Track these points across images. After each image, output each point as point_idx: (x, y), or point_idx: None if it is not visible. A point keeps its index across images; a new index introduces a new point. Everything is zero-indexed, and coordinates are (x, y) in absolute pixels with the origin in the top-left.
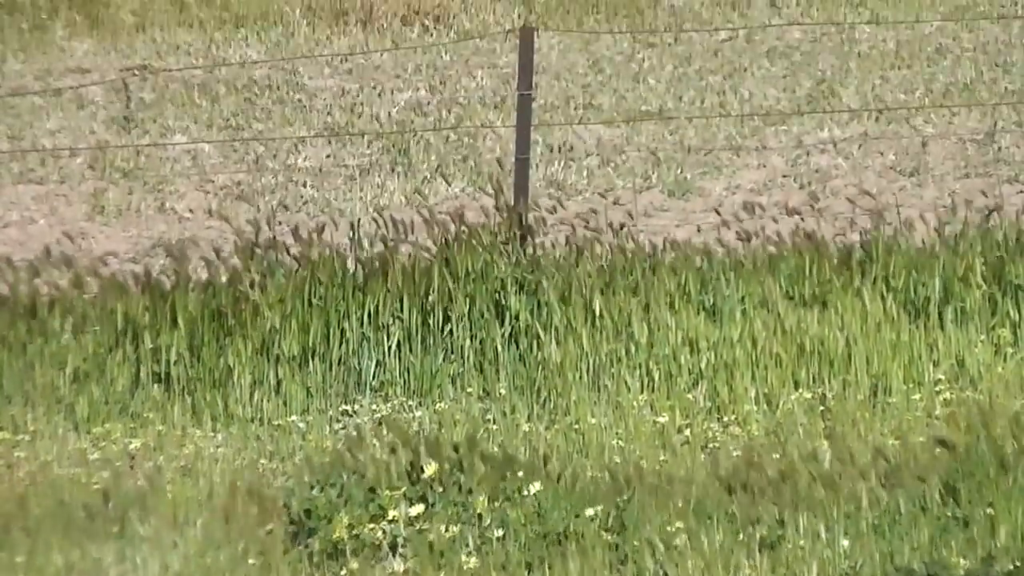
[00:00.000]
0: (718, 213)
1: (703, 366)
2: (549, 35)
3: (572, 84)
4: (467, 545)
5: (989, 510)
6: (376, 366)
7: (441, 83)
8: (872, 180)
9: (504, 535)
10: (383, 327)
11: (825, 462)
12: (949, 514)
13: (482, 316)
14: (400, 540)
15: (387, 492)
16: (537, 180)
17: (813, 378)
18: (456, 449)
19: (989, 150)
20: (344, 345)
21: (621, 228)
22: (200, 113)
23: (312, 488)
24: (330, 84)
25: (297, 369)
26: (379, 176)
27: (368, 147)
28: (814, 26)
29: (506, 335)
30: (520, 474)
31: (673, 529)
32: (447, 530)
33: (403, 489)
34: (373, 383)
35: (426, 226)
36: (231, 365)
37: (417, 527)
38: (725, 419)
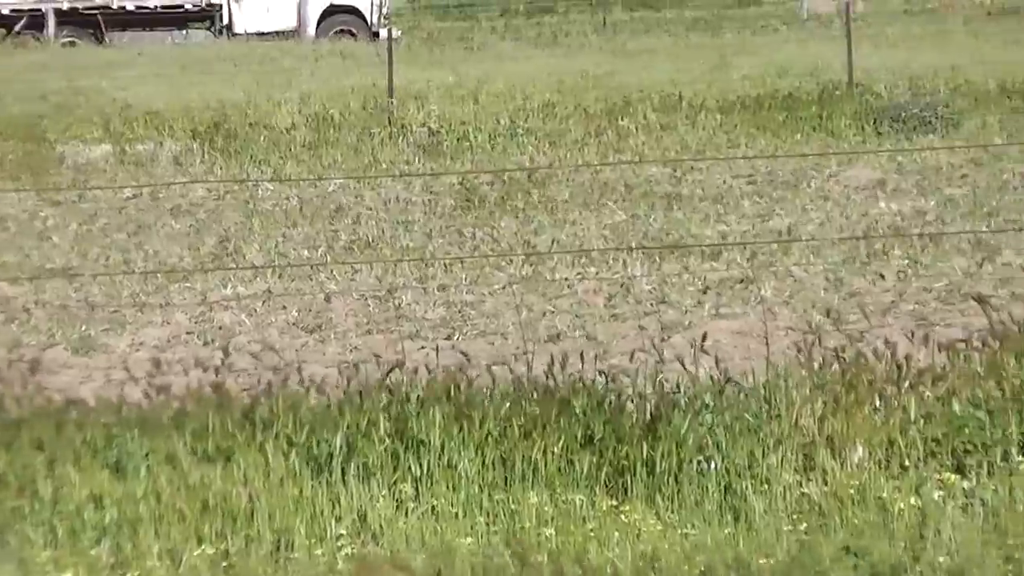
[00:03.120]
0: (126, 370)
1: (107, 522)
2: None
3: None
4: None
5: None
6: None
7: None
8: (276, 336)
9: None
10: None
11: None
12: None
13: None
14: None
15: None
16: None
17: (216, 533)
18: None
19: (390, 306)
20: None
21: (25, 385)
22: None
23: None
24: None
25: None
26: None
27: None
28: (218, 184)
29: None
30: None
31: None
32: None
33: None
34: None
35: None
36: None
37: None
38: (129, 575)
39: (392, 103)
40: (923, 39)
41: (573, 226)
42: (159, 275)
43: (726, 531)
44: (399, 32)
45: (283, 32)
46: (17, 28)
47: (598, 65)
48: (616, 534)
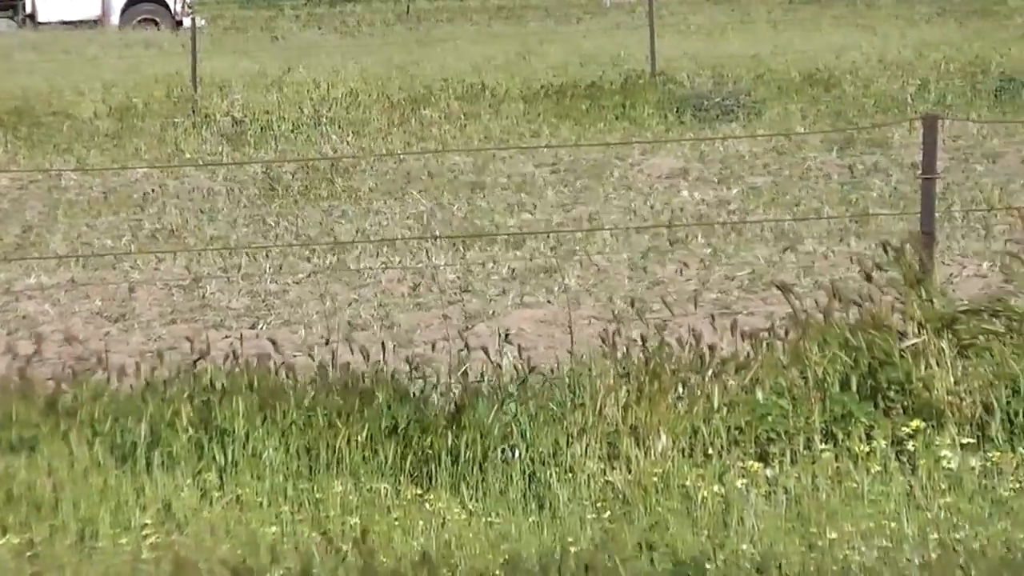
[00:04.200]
0: None
1: None
2: None
3: None
4: None
5: None
6: None
7: None
8: (80, 326)
9: None
10: None
11: None
12: None
13: None
14: None
15: None
16: None
17: (21, 523)
18: None
19: (195, 296)
20: None
21: None
22: None
23: None
24: None
25: None
26: None
27: None
28: (21, 173)
29: None
30: None
31: None
32: None
33: None
34: None
35: None
36: None
37: None
38: None
39: (196, 92)
40: (726, 28)
41: (377, 215)
42: None
43: (530, 519)
44: (203, 21)
45: (87, 21)
46: None
47: (401, 54)
48: (421, 523)
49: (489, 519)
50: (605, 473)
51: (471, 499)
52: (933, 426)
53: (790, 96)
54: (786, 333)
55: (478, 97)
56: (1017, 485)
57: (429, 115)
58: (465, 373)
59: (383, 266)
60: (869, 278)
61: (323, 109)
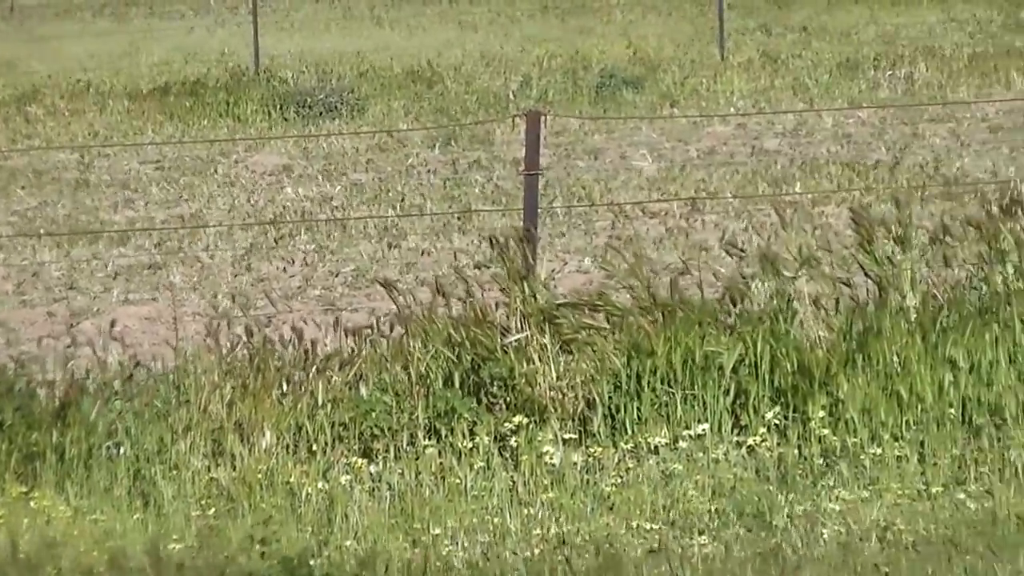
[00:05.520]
0: None
1: None
2: None
3: None
4: None
5: None
6: None
7: None
8: None
9: None
10: None
11: None
12: None
13: None
14: None
15: None
16: None
17: None
18: None
19: None
20: None
21: None
22: None
23: None
24: None
25: None
26: None
27: None
28: None
29: None
30: None
31: None
32: None
33: None
34: None
35: None
36: None
37: None
38: None
39: None
40: (329, 24)
41: None
42: None
43: (136, 516)
44: None
45: None
46: None
47: (5, 51)
48: (25, 521)
49: (94, 517)
50: (210, 470)
51: (76, 496)
52: (536, 421)
53: (393, 93)
54: (390, 329)
55: (83, 94)
56: (619, 480)
57: (35, 112)
58: (71, 370)
59: None
60: (471, 275)
61: None
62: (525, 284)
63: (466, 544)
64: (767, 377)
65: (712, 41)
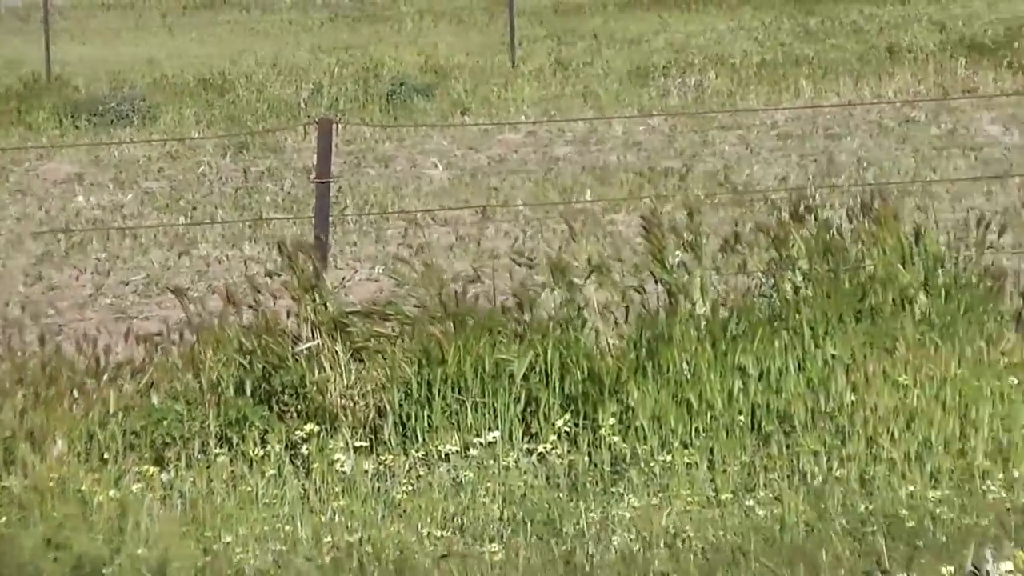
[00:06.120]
0: None
1: None
2: None
3: None
4: None
5: None
6: None
7: None
8: None
9: None
10: None
11: None
12: None
13: None
14: None
15: None
16: None
17: None
18: None
19: None
20: None
21: None
22: None
23: None
24: None
25: None
26: None
27: None
28: None
29: None
30: None
31: None
32: None
33: None
34: None
35: None
36: None
37: None
38: None
39: None
40: (120, 32)
41: None
42: None
43: None
44: None
45: None
46: None
47: None
48: None
49: None
50: (2, 479)
51: None
52: (327, 429)
53: (185, 101)
54: (181, 337)
55: None
56: (410, 487)
57: None
58: None
59: None
60: (262, 283)
61: None
62: (316, 292)
63: (258, 552)
64: (557, 385)
65: (503, 49)
